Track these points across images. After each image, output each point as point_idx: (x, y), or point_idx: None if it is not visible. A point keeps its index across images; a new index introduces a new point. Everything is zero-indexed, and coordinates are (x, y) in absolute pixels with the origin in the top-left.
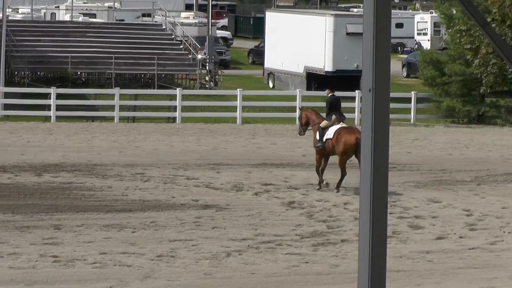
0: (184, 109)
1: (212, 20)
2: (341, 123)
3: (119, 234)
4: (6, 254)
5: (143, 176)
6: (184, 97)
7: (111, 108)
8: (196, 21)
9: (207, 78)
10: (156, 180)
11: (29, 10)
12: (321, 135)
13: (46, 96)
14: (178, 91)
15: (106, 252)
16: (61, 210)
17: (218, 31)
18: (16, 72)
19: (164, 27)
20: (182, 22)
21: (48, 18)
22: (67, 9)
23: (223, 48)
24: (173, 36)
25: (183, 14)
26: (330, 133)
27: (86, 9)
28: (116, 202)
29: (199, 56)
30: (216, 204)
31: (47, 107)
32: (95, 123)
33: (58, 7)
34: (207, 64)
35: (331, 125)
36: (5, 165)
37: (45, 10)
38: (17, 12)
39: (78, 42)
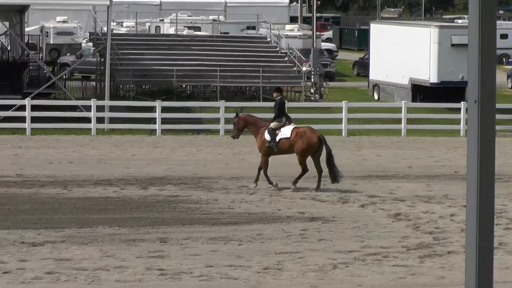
0: None
1: (317, 33)
2: (292, 124)
3: (225, 247)
4: (112, 267)
5: (249, 189)
6: (289, 110)
7: (216, 121)
8: (301, 33)
9: (312, 91)
10: (262, 192)
11: (134, 23)
12: (273, 136)
13: (151, 109)
14: None
15: (212, 265)
16: (167, 223)
17: (322, 43)
18: (121, 86)
19: (269, 39)
20: (286, 35)
21: (152, 31)
22: (172, 23)
23: (328, 60)
24: (278, 49)
25: (288, 27)
26: (285, 133)
27: (191, 22)
28: (222, 215)
29: (304, 69)
30: (322, 216)
31: (152, 121)
32: (200, 136)
33: (163, 20)
34: (312, 76)
35: (282, 126)
36: (111, 179)
37: (149, 24)
38: (122, 25)
39: (183, 55)
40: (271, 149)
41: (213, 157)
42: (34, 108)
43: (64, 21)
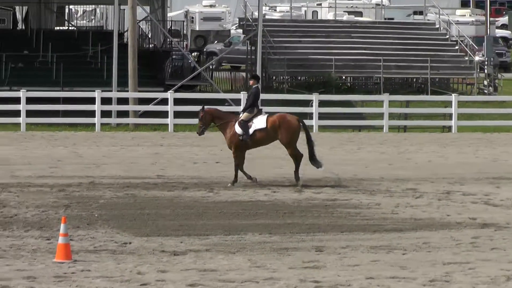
0: (461, 117)
1: (491, 18)
2: (263, 113)
3: (387, 257)
4: (262, 279)
5: (415, 192)
6: (460, 104)
7: (379, 116)
8: (473, 19)
9: (485, 83)
10: (430, 196)
11: (288, 8)
12: (245, 128)
13: (307, 103)
14: (453, 97)
15: (373, 276)
16: (323, 230)
17: (497, 30)
18: (274, 77)
19: (437, 26)
20: (457, 21)
21: (309, 17)
22: (330, 7)
23: (503, 49)
24: (447, 36)
25: (459, 12)
26: (259, 123)
27: (351, 6)
28: (385, 220)
29: (477, 58)
30: (495, 222)
31: (308, 116)
32: (362, 133)
33: (320, 4)
34: (486, 67)
35: (253, 117)
36: (262, 180)
37: (305, 8)
38: (275, 10)
39: (343, 44)
40: (244, 143)
41: (376, 157)
42: (177, 101)
43: (211, 5)
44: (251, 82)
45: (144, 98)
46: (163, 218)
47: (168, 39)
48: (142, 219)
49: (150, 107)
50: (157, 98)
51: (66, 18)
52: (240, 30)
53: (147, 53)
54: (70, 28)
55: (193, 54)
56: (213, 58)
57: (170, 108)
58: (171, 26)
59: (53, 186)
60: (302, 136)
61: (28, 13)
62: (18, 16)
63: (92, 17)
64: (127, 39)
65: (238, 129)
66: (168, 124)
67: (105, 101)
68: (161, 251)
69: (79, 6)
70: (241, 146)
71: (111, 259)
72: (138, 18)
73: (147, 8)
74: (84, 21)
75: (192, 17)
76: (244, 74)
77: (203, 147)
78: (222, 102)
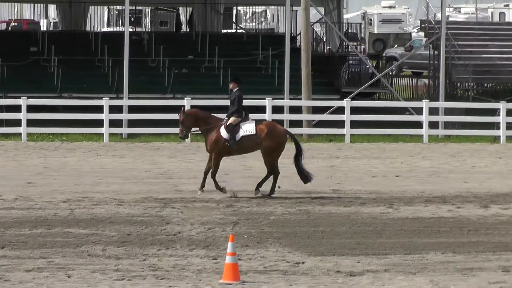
0: None
1: None
2: (251, 119)
3: None
4: None
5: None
6: None
7: None
8: None
9: None
10: None
11: (473, 9)
12: (233, 133)
13: (494, 112)
14: None
15: None
16: (510, 248)
17: None
18: (458, 84)
19: None
20: None
21: (495, 18)
22: None
23: None
24: None
25: None
26: (248, 129)
27: None
28: None
29: None
30: None
31: (495, 125)
32: None
33: (508, 5)
34: None
35: (241, 121)
36: (446, 195)
37: (492, 10)
38: (459, 11)
39: None
40: (228, 148)
41: None
42: (354, 110)
43: (390, 7)
44: (231, 85)
45: (319, 107)
46: (339, 236)
47: (345, 43)
48: (316, 237)
49: (325, 116)
50: (333, 107)
51: (233, 20)
52: (422, 33)
53: (321, 58)
54: (238, 31)
55: (371, 59)
56: (393, 63)
57: (346, 117)
58: (347, 29)
59: (220, 201)
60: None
61: (193, 15)
62: (182, 18)
63: (262, 19)
64: (300, 42)
65: (224, 134)
66: (344, 135)
67: (277, 109)
68: (336, 271)
69: (248, 7)
70: (224, 151)
71: (282, 280)
72: (312, 20)
73: (322, 10)
74: (254, 24)
75: (370, 19)
76: (426, 81)
77: (382, 159)
78: (403, 110)
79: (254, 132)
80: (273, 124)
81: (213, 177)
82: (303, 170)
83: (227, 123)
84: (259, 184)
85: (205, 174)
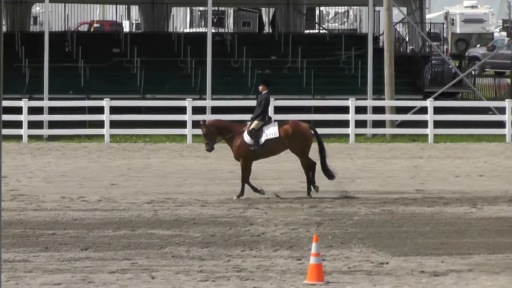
0: None
1: None
2: (273, 121)
3: None
4: None
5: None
6: None
7: None
8: None
9: None
10: None
11: None
12: (256, 138)
13: None
14: None
15: None
16: None
17: None
18: None
19: None
20: None
21: None
22: None
23: None
24: None
25: None
26: (272, 132)
27: None
28: None
29: None
30: None
31: None
32: None
33: None
34: None
35: (264, 125)
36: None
37: None
38: None
39: None
40: (254, 153)
41: None
42: (437, 110)
43: (472, 7)
44: (260, 87)
45: (402, 107)
46: (423, 236)
47: (427, 43)
48: (400, 237)
49: (408, 117)
50: (416, 107)
51: (316, 20)
52: (504, 33)
53: (404, 58)
54: (320, 31)
55: (454, 59)
56: (475, 63)
57: (429, 117)
58: (430, 29)
59: (304, 202)
60: (314, 145)
61: (275, 15)
62: (265, 18)
63: (345, 20)
64: (383, 43)
65: (247, 139)
66: (427, 135)
67: (359, 110)
68: (420, 271)
69: (330, 7)
70: (250, 156)
71: (366, 280)
72: (394, 21)
73: (404, 10)
74: (336, 24)
75: (453, 19)
76: (509, 80)
77: (466, 159)
78: (485, 110)
79: (278, 135)
80: (296, 123)
81: (247, 181)
82: (327, 167)
83: (250, 128)
84: (311, 182)
85: (243, 180)
